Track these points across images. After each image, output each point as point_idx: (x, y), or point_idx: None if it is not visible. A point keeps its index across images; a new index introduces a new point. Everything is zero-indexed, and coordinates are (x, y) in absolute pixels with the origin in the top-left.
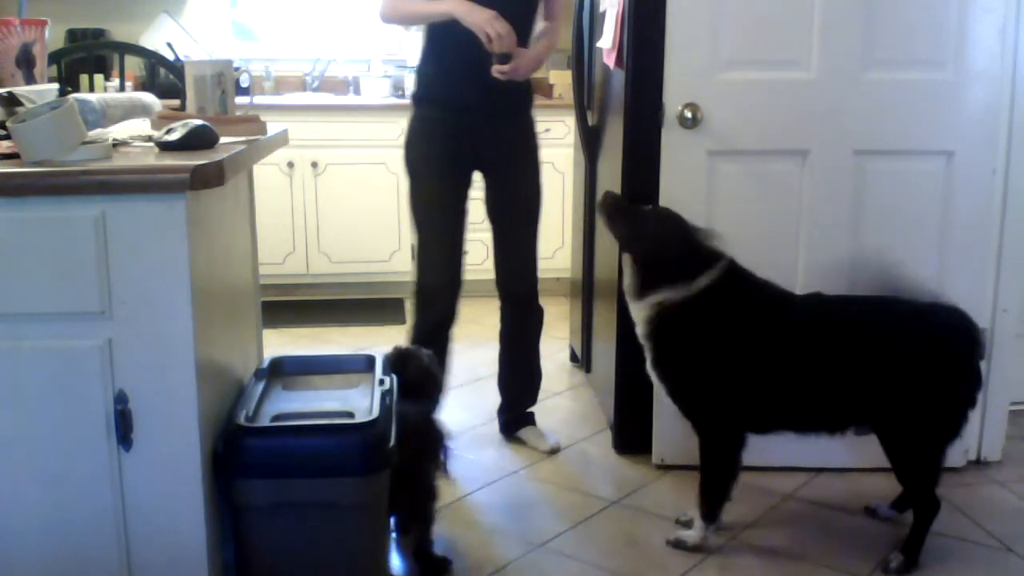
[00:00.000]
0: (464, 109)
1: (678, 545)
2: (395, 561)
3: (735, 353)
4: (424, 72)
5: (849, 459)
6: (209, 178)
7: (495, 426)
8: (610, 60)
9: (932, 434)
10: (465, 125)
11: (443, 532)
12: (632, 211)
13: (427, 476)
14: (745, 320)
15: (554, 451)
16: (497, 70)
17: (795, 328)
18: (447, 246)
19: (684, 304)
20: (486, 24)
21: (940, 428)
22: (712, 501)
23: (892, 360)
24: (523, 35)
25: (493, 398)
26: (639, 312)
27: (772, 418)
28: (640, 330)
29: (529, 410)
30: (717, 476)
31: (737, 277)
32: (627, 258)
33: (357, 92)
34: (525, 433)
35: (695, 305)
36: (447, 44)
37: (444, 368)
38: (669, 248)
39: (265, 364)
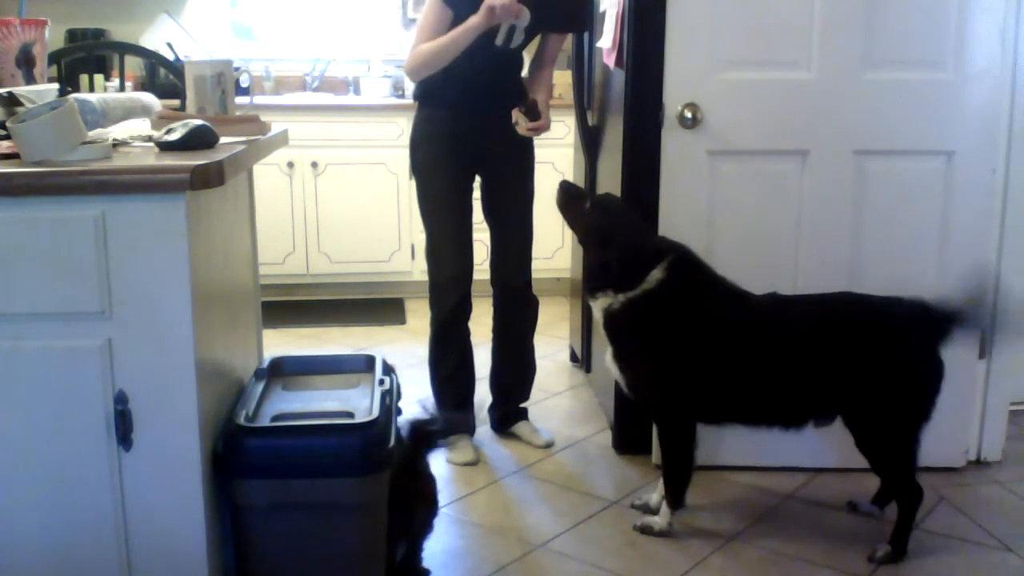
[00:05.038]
0: (464, 108)
1: (645, 530)
2: None
3: (685, 349)
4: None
5: (848, 459)
6: (209, 178)
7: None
8: (610, 60)
9: (899, 424)
10: (466, 124)
11: (443, 533)
12: (576, 204)
13: (428, 483)
14: (694, 317)
15: (548, 445)
16: (530, 129)
17: (746, 324)
18: (456, 242)
19: (634, 303)
20: (490, 8)
21: (907, 416)
22: (676, 488)
23: (849, 353)
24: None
25: (488, 398)
26: (595, 309)
27: (723, 411)
28: (599, 324)
29: (522, 405)
30: (678, 464)
31: (687, 273)
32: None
33: (357, 92)
34: (519, 428)
35: (644, 303)
36: None
37: (467, 363)
38: (611, 248)
39: (265, 364)
